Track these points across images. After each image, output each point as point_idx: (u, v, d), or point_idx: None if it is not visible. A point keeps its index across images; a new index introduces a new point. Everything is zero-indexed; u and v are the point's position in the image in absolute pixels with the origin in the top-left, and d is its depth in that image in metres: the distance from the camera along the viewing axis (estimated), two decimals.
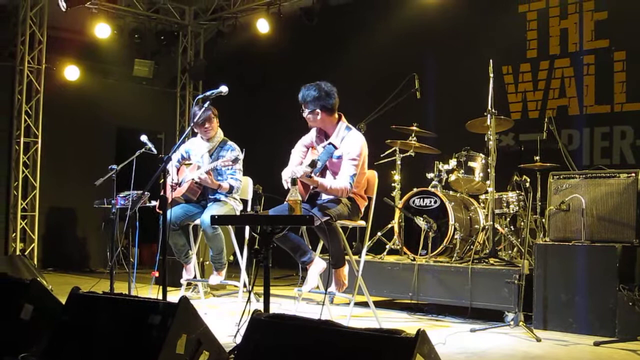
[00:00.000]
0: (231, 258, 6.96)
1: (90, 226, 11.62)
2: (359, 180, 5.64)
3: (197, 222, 6.60)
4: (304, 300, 6.75)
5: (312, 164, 5.29)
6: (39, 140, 10.98)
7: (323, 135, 5.78)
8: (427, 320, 6.52)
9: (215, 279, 6.69)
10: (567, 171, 6.49)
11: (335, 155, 5.57)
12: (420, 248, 7.03)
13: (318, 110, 5.62)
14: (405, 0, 10.16)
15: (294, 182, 5.01)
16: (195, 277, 6.84)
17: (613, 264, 5.64)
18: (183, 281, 6.83)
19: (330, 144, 5.61)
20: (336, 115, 5.72)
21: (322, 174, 5.63)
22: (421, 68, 8.32)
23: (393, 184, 7.97)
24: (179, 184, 6.70)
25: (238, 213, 6.69)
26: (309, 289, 5.66)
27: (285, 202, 4.86)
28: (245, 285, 6.56)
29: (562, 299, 5.85)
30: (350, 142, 5.59)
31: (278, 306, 6.86)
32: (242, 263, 6.58)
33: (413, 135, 7.89)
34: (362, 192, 5.75)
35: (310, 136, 5.89)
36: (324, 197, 5.63)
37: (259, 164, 7.78)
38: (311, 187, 5.47)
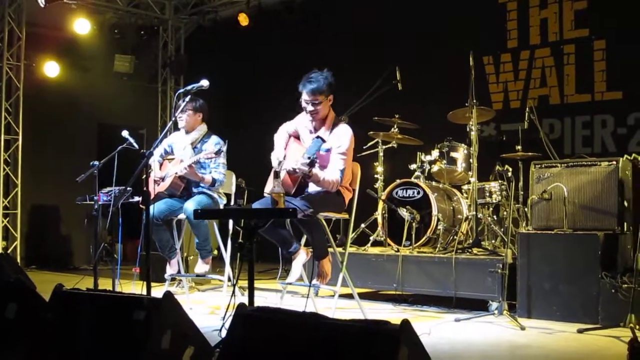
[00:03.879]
0: (215, 252, 6.93)
1: (73, 223, 11.57)
2: (346, 173, 5.63)
3: (181, 216, 6.57)
4: (288, 293, 6.75)
5: (312, 164, 5.22)
6: (20, 138, 10.91)
7: (316, 126, 5.66)
8: (412, 311, 6.54)
9: (202, 267, 6.61)
10: (549, 160, 6.52)
11: (324, 149, 5.51)
12: (404, 239, 7.05)
13: (331, 97, 5.56)
14: None
15: (276, 174, 5.01)
16: (179, 272, 6.81)
17: (595, 251, 5.69)
18: (167, 276, 6.81)
19: (318, 137, 5.57)
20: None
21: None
22: (402, 60, 8.32)
23: (376, 176, 7.98)
24: (162, 179, 6.67)
25: (221, 206, 6.67)
26: (293, 279, 5.66)
27: (267, 196, 4.85)
28: (229, 279, 6.56)
29: (545, 287, 5.89)
30: (340, 135, 5.54)
31: (263, 299, 6.84)
32: (226, 257, 6.56)
33: (395, 126, 7.90)
34: (347, 185, 5.73)
35: (295, 124, 5.81)
36: (312, 189, 5.58)
37: (242, 158, 7.76)
38: (300, 178, 5.41)
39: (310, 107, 5.52)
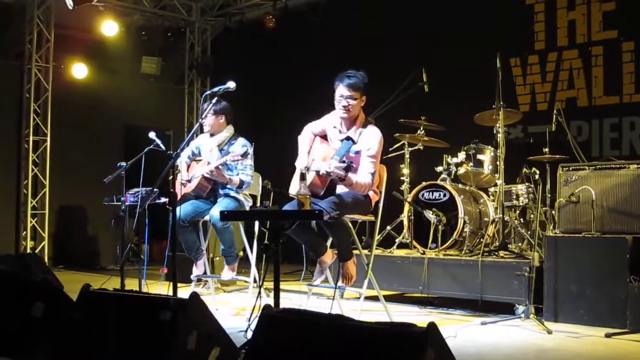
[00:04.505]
0: (241, 253, 6.95)
1: (100, 224, 11.64)
2: (375, 176, 5.60)
3: (207, 217, 6.59)
4: (314, 295, 6.74)
5: (348, 168, 5.19)
6: (48, 139, 11.02)
7: (345, 125, 5.63)
8: (438, 314, 6.51)
9: (227, 274, 6.66)
10: (577, 163, 6.47)
11: (353, 151, 5.48)
12: (430, 241, 7.03)
13: (364, 98, 5.55)
14: None
15: (302, 176, 5.01)
16: (205, 273, 6.84)
17: (623, 255, 5.62)
18: (193, 277, 6.84)
19: (349, 138, 5.55)
20: None
21: None
22: (428, 61, 8.29)
23: (402, 178, 7.95)
24: (189, 180, 6.70)
25: (247, 209, 6.68)
26: (319, 281, 5.67)
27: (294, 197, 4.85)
28: (255, 281, 6.56)
29: (572, 291, 5.84)
30: (370, 137, 5.49)
31: (288, 301, 6.83)
32: (252, 258, 6.57)
33: (421, 128, 7.87)
34: (374, 187, 5.70)
35: (322, 124, 5.78)
36: (341, 190, 5.55)
37: (267, 159, 7.77)
38: (329, 179, 5.39)
39: (344, 102, 5.47)
